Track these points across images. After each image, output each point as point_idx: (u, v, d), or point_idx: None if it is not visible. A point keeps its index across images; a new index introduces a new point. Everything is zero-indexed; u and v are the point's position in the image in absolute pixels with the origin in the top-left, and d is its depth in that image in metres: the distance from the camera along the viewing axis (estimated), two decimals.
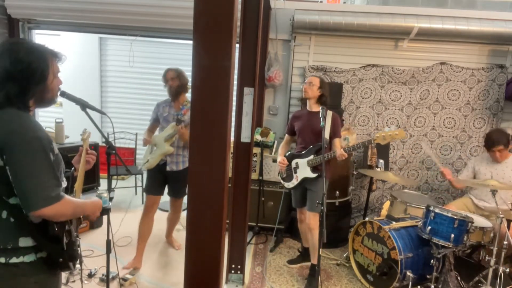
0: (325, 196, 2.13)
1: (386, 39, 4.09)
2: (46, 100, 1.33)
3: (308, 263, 3.07)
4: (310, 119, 2.90)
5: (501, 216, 2.52)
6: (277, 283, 2.97)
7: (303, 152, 2.93)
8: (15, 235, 1.23)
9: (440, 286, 2.55)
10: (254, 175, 3.60)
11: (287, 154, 3.06)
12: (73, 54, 5.66)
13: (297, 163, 2.96)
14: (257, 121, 4.00)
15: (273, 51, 4.15)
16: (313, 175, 2.85)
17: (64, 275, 2.63)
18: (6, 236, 1.23)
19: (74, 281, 2.71)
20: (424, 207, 2.69)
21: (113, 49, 6.08)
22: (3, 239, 1.22)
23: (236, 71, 2.10)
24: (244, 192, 2.77)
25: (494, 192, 2.68)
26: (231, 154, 2.81)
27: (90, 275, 2.81)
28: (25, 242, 1.24)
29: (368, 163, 3.77)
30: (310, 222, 2.85)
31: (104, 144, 2.78)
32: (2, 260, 1.21)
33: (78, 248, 1.43)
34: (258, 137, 3.70)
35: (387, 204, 3.59)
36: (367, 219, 3.02)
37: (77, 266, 1.48)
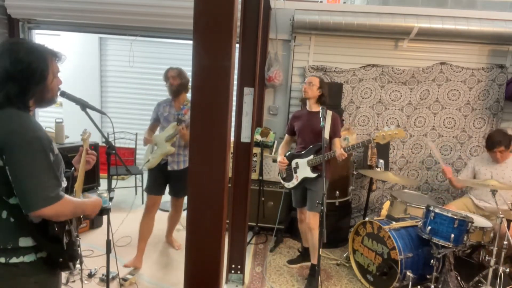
0: (325, 196, 2.13)
1: (386, 39, 4.09)
2: (46, 100, 1.33)
3: (308, 263, 3.07)
4: (310, 119, 2.90)
5: (501, 216, 2.52)
6: (277, 283, 2.97)
7: (303, 152, 2.93)
8: (15, 235, 1.23)
9: (440, 286, 2.55)
10: (254, 175, 3.60)
11: (287, 154, 3.06)
12: (73, 54, 5.66)
13: (297, 163, 2.96)
14: (257, 121, 4.00)
15: (273, 51, 4.15)
16: (313, 175, 2.85)
17: (64, 275, 2.63)
18: (6, 236, 1.23)
19: (74, 281, 2.71)
20: (424, 207, 2.69)
21: (113, 49, 6.08)
22: (3, 239, 1.22)
23: (236, 71, 2.10)
24: (244, 192, 2.77)
25: (494, 192, 2.68)
26: (231, 154, 2.81)
27: (90, 275, 2.81)
28: (25, 242, 1.24)
29: (368, 163, 3.77)
30: (310, 222, 2.85)
31: (104, 144, 2.78)
32: (2, 260, 1.21)
33: (78, 248, 1.43)
34: (258, 137, 3.70)
35: (387, 204, 3.59)
36: (367, 219, 3.02)
37: (77, 266, 1.47)
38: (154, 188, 3.08)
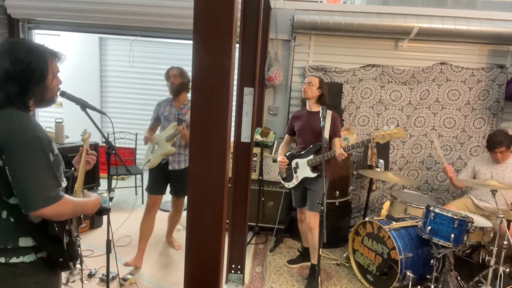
0: (325, 196, 2.13)
1: (386, 39, 4.09)
2: (46, 100, 1.33)
3: (308, 263, 3.07)
4: (310, 119, 2.90)
5: (501, 216, 2.52)
6: (277, 283, 2.97)
7: (303, 152, 2.93)
8: (15, 235, 1.23)
9: (440, 286, 2.55)
10: (254, 175, 3.60)
11: (287, 154, 3.06)
12: (73, 54, 5.66)
13: (297, 163, 2.96)
14: (257, 121, 4.00)
15: (273, 51, 4.15)
16: (313, 175, 2.85)
17: (64, 275, 2.63)
18: (6, 236, 1.23)
19: (74, 281, 2.71)
20: (424, 207, 2.69)
21: (113, 49, 6.08)
22: (3, 239, 1.22)
23: (236, 71, 2.10)
24: (244, 192, 2.77)
25: (494, 192, 2.68)
26: (231, 154, 2.81)
27: (90, 275, 2.81)
28: (25, 242, 1.24)
29: (368, 163, 3.77)
30: (310, 221, 2.85)
31: (104, 144, 2.78)
32: (2, 260, 1.21)
33: (79, 248, 1.43)
34: (258, 137, 3.70)
35: (387, 204, 3.59)
36: (367, 219, 3.02)
37: (77, 266, 1.47)
38: (155, 187, 3.09)
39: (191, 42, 1.48)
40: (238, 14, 1.53)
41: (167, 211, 3.51)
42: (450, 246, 2.48)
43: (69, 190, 1.49)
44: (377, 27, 3.87)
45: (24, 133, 1.17)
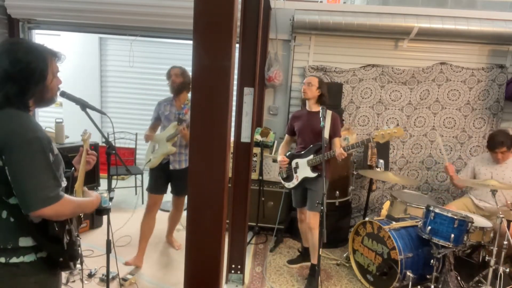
0: (325, 196, 2.13)
1: (386, 39, 4.09)
2: (46, 100, 1.33)
3: (308, 263, 3.07)
4: (310, 119, 2.90)
5: (501, 216, 2.52)
6: (277, 283, 2.97)
7: (303, 152, 2.93)
8: (15, 235, 1.23)
9: (440, 286, 2.55)
10: (254, 175, 3.60)
11: (287, 154, 3.06)
12: (73, 54, 5.66)
13: (297, 163, 2.96)
14: (257, 121, 4.00)
15: (273, 51, 4.15)
16: (313, 175, 2.85)
17: (64, 275, 2.63)
18: (6, 236, 1.23)
19: (74, 281, 2.71)
20: (424, 207, 2.69)
21: (113, 49, 6.08)
22: (3, 239, 1.22)
23: (236, 71, 2.10)
24: (244, 192, 2.77)
25: (494, 192, 2.68)
26: (231, 154, 2.81)
27: (90, 275, 2.81)
28: (25, 242, 1.24)
29: (368, 163, 3.77)
30: (310, 221, 2.85)
31: (104, 144, 2.78)
32: (2, 260, 1.21)
33: (79, 248, 1.43)
34: (258, 137, 3.70)
35: (387, 204, 3.59)
36: (367, 219, 3.02)
37: (78, 266, 1.47)
38: (156, 187, 3.09)
39: (191, 42, 1.48)
40: (238, 14, 1.53)
41: (167, 211, 3.51)
42: (450, 246, 2.48)
43: (69, 190, 1.49)
44: (377, 27, 3.87)
45: (24, 133, 1.17)
